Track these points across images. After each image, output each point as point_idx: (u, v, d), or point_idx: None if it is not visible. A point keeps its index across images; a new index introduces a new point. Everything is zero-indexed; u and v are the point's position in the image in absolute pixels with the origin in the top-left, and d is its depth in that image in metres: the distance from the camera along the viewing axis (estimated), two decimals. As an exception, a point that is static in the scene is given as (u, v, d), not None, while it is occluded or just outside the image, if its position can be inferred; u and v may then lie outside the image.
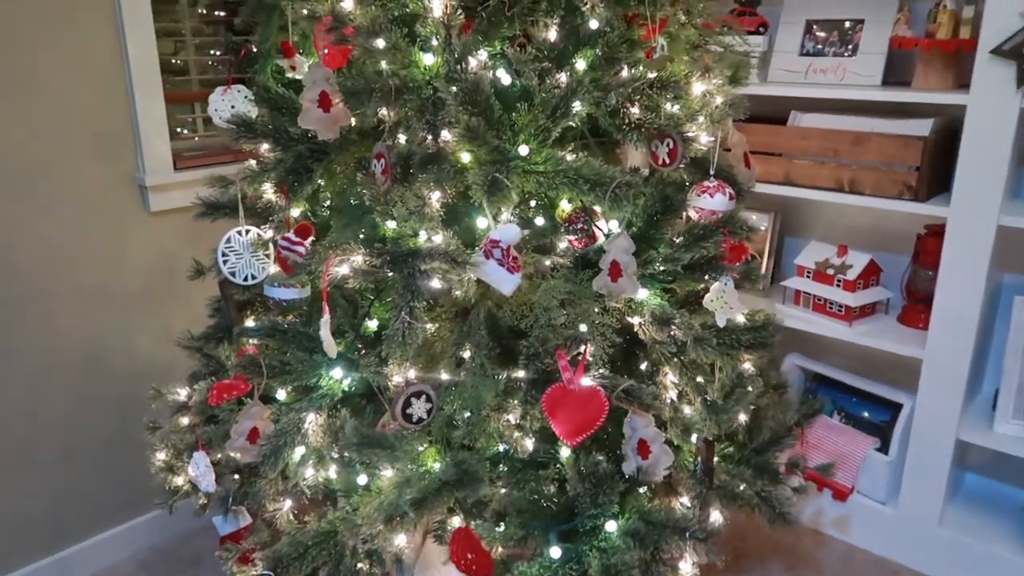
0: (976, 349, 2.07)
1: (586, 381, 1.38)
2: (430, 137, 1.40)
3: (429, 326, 1.53)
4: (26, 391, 2.02)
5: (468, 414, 1.47)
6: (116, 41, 2.02)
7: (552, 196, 1.49)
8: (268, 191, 1.60)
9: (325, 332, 1.35)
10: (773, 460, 1.74)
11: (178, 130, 2.34)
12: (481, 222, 1.40)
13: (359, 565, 1.48)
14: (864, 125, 2.21)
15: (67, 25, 1.93)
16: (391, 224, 1.41)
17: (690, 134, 1.45)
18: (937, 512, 2.18)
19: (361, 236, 1.52)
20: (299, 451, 1.53)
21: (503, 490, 1.47)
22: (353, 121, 1.50)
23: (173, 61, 2.30)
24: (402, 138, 1.49)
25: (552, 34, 1.43)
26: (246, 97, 1.66)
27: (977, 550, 2.13)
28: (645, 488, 1.51)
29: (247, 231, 1.65)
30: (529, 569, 1.42)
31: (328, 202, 1.69)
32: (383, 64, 1.39)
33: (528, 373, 1.44)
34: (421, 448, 1.47)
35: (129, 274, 2.16)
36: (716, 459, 1.65)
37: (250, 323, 1.75)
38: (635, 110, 1.41)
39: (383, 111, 1.43)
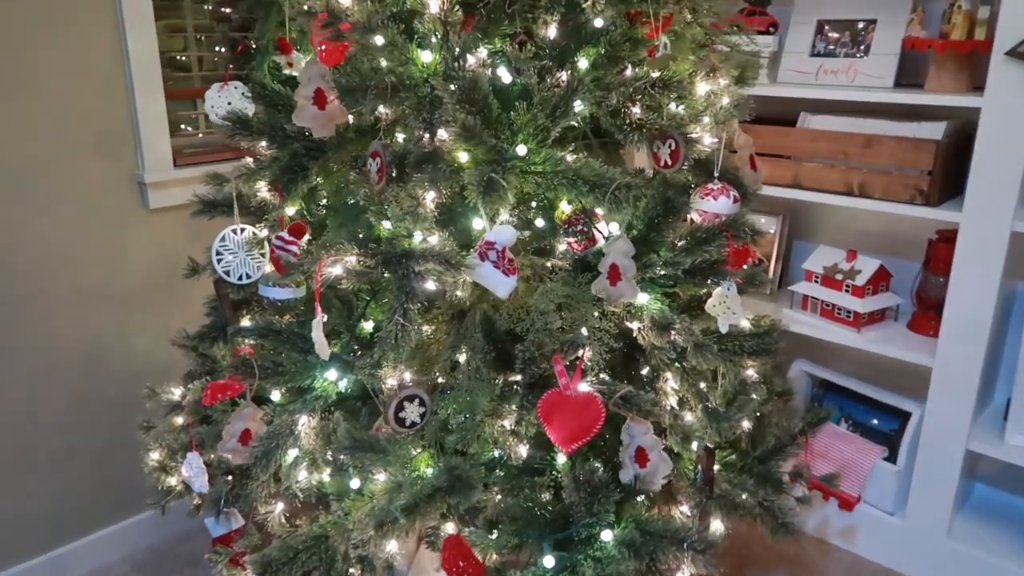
0: (988, 358, 2.03)
1: (583, 387, 1.35)
2: (427, 136, 1.37)
3: (425, 328, 1.50)
4: (26, 391, 2.01)
5: (462, 418, 1.44)
6: (116, 38, 2.00)
7: (551, 197, 1.46)
8: (262, 189, 1.58)
9: (317, 333, 1.33)
10: (776, 469, 1.70)
11: (181, 127, 2.33)
12: (477, 223, 1.37)
13: (350, 571, 1.45)
14: (875, 128, 2.17)
15: (67, 23, 1.92)
16: (387, 224, 1.38)
17: (693, 135, 1.42)
18: (946, 523, 2.13)
19: (360, 236, 1.50)
20: (292, 453, 1.51)
21: (498, 496, 1.44)
22: (351, 119, 1.47)
23: (180, 57, 2.28)
24: (400, 136, 1.46)
25: (552, 31, 1.40)
26: (243, 94, 1.63)
27: (986, 563, 2.08)
28: (643, 496, 1.47)
29: (242, 229, 1.62)
30: (522, 577, 1.39)
31: (325, 201, 1.67)
32: (381, 61, 1.36)
33: (524, 378, 1.41)
34: (415, 452, 1.44)
35: (129, 273, 2.14)
36: (717, 467, 1.62)
37: (246, 323, 1.73)
38: (636, 110, 1.38)
39: (380, 109, 1.40)
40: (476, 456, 1.44)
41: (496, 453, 1.48)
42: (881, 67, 2.18)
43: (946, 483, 2.11)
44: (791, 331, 2.26)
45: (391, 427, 1.38)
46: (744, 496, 1.63)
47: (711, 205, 1.51)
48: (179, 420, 1.74)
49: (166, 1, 2.17)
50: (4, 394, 1.97)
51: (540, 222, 1.51)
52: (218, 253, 1.61)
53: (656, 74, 1.37)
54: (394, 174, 1.36)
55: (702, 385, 1.54)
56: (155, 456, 1.75)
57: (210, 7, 2.29)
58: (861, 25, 2.25)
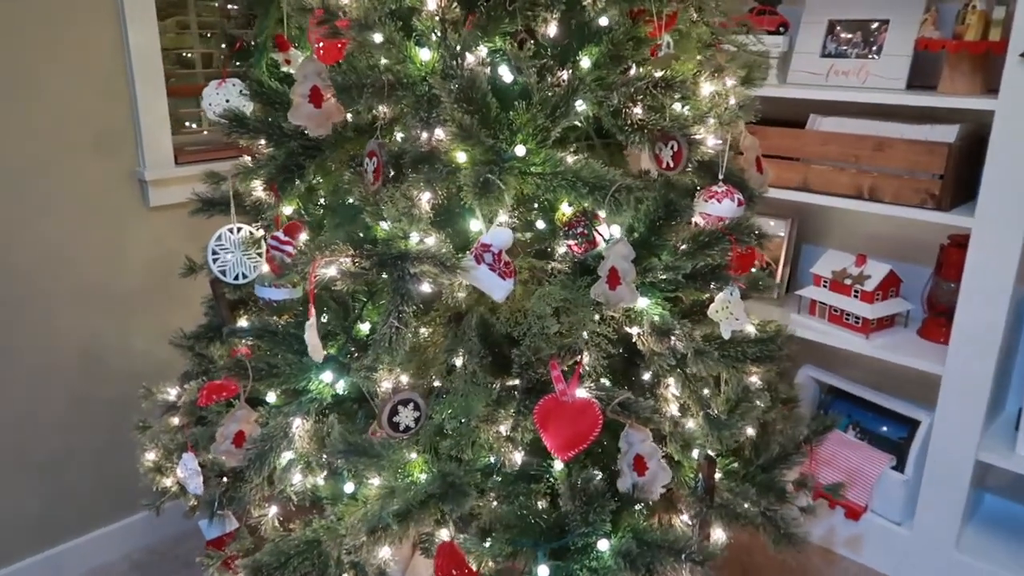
0: (999, 366, 1.98)
1: (580, 393, 1.32)
2: (425, 135, 1.35)
3: (422, 331, 1.48)
4: (26, 391, 2.00)
5: (458, 423, 1.41)
6: (118, 35, 1.99)
7: (551, 199, 1.43)
8: (257, 188, 1.56)
9: (310, 334, 1.31)
10: (780, 478, 1.66)
11: (186, 124, 2.32)
12: (474, 225, 1.35)
13: (343, 576, 1.43)
14: (886, 130, 2.13)
15: (68, 20, 1.90)
16: (384, 225, 1.36)
17: (697, 136, 1.38)
18: (954, 534, 2.09)
19: (360, 236, 1.48)
20: (286, 456, 1.49)
21: (493, 503, 1.41)
22: (349, 117, 1.45)
23: (185, 55, 2.27)
24: (399, 136, 1.44)
25: (553, 29, 1.37)
26: (241, 91, 1.61)
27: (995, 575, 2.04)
28: (642, 505, 1.44)
29: (238, 229, 1.60)
30: (517, 586, 1.36)
31: (323, 200, 1.64)
32: (380, 59, 1.34)
33: (521, 382, 1.38)
34: (410, 457, 1.42)
35: (128, 272, 2.13)
36: (719, 476, 1.59)
37: (243, 323, 1.71)
38: (638, 110, 1.34)
39: (378, 107, 1.38)
40: (471, 462, 1.42)
41: (491, 459, 1.45)
42: (893, 68, 2.14)
43: (955, 493, 2.06)
44: (799, 336, 2.22)
45: (385, 431, 1.36)
46: (746, 505, 1.59)
47: (715, 208, 1.47)
48: (175, 421, 1.72)
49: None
50: (4, 394, 1.96)
51: (540, 224, 1.49)
52: (214, 252, 1.59)
53: (658, 74, 1.34)
54: (391, 174, 1.33)
55: (704, 392, 1.51)
56: (151, 457, 1.73)
57: (216, 3, 2.27)
58: (873, 25, 2.21)
